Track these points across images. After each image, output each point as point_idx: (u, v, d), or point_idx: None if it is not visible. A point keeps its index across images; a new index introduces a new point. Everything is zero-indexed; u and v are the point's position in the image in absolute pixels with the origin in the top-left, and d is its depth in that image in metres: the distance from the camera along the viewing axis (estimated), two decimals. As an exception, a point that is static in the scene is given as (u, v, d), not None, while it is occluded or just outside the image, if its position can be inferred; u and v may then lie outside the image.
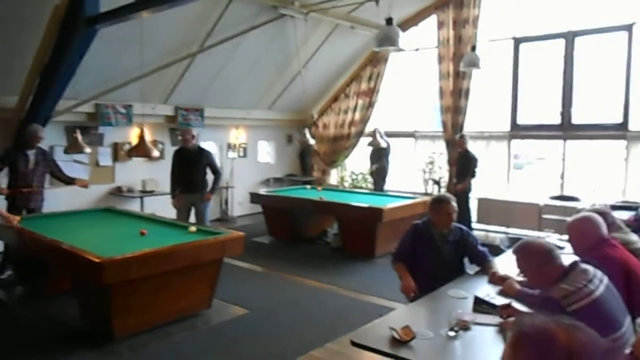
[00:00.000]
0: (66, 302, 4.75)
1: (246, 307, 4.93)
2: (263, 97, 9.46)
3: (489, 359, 2.22)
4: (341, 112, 10.28)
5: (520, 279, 2.96)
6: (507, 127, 8.39)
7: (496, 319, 2.59)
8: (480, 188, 8.16)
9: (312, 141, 8.68)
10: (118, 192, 7.93)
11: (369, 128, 9.68)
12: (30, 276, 5.28)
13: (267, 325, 4.51)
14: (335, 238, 7.38)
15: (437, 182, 9.03)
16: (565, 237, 3.09)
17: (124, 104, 7.57)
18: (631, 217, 4.80)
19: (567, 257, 2.63)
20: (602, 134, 7.58)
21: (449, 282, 3.31)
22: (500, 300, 2.81)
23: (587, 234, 2.86)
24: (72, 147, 6.09)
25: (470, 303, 2.87)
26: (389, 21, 4.66)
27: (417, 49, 9.40)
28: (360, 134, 10.03)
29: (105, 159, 7.87)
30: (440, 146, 9.01)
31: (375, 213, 6.59)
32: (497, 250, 4.12)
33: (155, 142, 8.12)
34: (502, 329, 2.50)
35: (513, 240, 3.91)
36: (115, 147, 7.94)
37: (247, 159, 9.98)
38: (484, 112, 8.82)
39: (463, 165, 7.74)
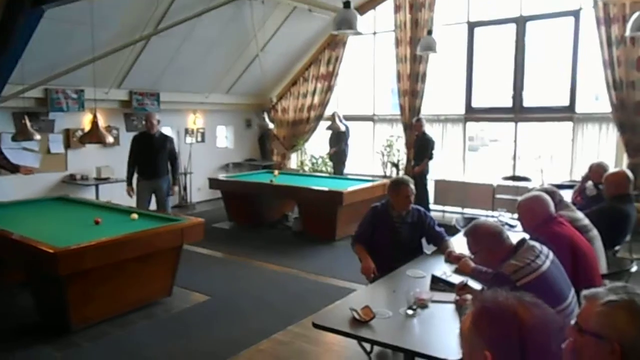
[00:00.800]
0: (20, 294, 4.62)
1: (207, 294, 4.91)
2: (221, 81, 9.31)
3: (447, 334, 2.32)
4: (300, 96, 10.24)
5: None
6: (462, 110, 8.57)
7: (453, 296, 2.69)
8: (437, 170, 8.37)
9: (271, 125, 8.64)
10: (72, 180, 7.68)
11: (328, 112, 9.69)
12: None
13: (228, 311, 4.51)
14: (296, 222, 7.42)
15: (395, 165, 9.17)
16: (517, 216, 3.23)
17: (76, 89, 7.31)
18: (575, 193, 5.04)
19: (518, 234, 2.76)
20: (551, 116, 7.88)
21: (408, 262, 3.41)
22: (456, 278, 2.92)
23: (536, 213, 3.00)
24: (21, 134, 5.89)
25: (428, 282, 2.98)
26: (347, 4, 4.64)
27: (374, 33, 9.44)
28: (319, 117, 10.04)
29: (57, 146, 7.60)
30: (398, 129, 9.14)
31: (335, 196, 6.65)
32: (453, 230, 4.26)
33: (109, 128, 7.88)
34: (458, 306, 2.60)
35: (468, 220, 4.05)
36: (67, 134, 7.68)
37: (206, 144, 9.83)
38: (440, 96, 9.00)
39: (420, 148, 7.88)
